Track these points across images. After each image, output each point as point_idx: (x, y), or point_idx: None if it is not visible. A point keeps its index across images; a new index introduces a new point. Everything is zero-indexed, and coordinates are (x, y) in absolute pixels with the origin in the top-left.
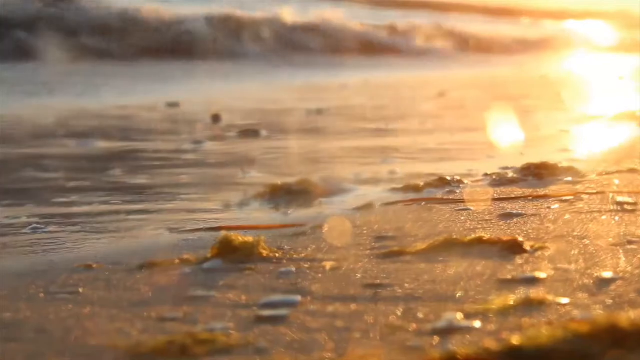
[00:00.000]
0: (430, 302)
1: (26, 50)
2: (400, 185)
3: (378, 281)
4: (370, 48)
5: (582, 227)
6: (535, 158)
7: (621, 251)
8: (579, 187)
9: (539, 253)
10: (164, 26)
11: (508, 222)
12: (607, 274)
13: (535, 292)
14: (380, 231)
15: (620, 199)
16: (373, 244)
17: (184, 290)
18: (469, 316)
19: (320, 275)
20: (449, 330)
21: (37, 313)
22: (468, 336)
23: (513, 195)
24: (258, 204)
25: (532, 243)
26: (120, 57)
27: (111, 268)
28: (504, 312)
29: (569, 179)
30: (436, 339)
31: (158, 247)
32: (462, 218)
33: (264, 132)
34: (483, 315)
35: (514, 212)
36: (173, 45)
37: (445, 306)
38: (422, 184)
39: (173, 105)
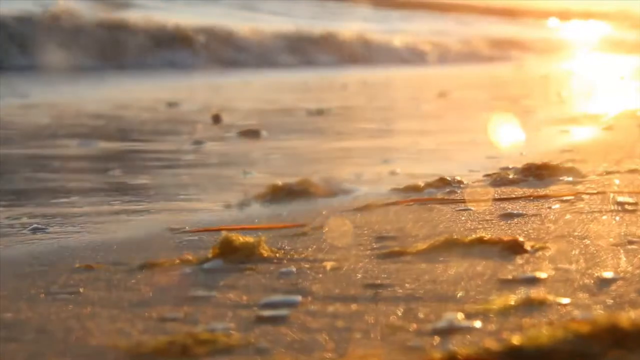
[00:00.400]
0: (431, 302)
1: None
2: (400, 185)
3: (378, 281)
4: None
5: (583, 227)
6: (535, 158)
7: (622, 251)
8: (580, 187)
9: (540, 253)
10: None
11: (509, 222)
12: (608, 274)
13: (536, 292)
14: (381, 231)
15: (620, 199)
16: (373, 244)
17: (185, 291)
18: (469, 316)
19: (320, 276)
20: (450, 330)
21: (38, 313)
22: (468, 336)
23: (514, 196)
24: (258, 205)
25: (532, 243)
26: None
27: (111, 268)
28: (505, 312)
29: (570, 179)
30: (437, 339)
31: (158, 247)
32: (463, 218)
33: (264, 133)
34: (483, 315)
35: (515, 212)
36: None
37: (446, 306)
38: (422, 184)
39: (173, 105)
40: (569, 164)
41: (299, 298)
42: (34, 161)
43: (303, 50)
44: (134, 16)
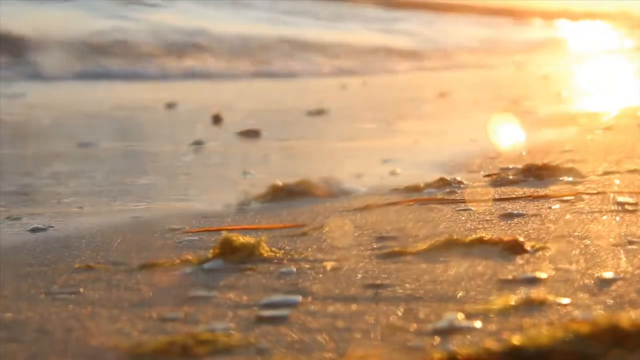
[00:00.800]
0: (431, 302)
1: None
2: (400, 186)
3: (379, 281)
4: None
5: (583, 227)
6: (535, 158)
7: (622, 251)
8: (580, 188)
9: (540, 253)
10: None
11: (509, 222)
12: (608, 274)
13: (536, 292)
14: (381, 231)
15: (620, 199)
16: (374, 244)
17: (185, 291)
18: (469, 316)
19: (320, 276)
20: (450, 331)
21: (38, 313)
22: (469, 336)
23: (514, 196)
24: (258, 205)
25: (532, 243)
26: None
27: (111, 268)
28: (505, 312)
29: (570, 179)
30: (437, 339)
31: (158, 247)
32: (463, 218)
33: (264, 133)
34: (484, 316)
35: (515, 212)
36: None
37: (446, 306)
38: (422, 184)
39: (172, 105)
40: (569, 164)
41: (299, 298)
42: (34, 161)
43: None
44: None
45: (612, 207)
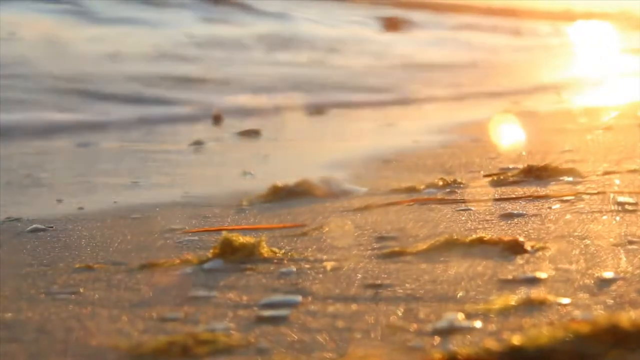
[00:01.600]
0: (431, 302)
1: None
2: (400, 186)
3: (379, 281)
4: None
5: (583, 227)
6: (536, 158)
7: (622, 251)
8: (580, 188)
9: (540, 253)
10: None
11: (509, 222)
12: (608, 274)
13: (536, 292)
14: (381, 231)
15: (621, 199)
16: (374, 244)
17: (185, 291)
18: (469, 316)
19: (321, 276)
20: (450, 331)
21: (38, 313)
22: (469, 336)
23: (514, 196)
24: (258, 204)
25: (533, 243)
26: None
27: (111, 268)
28: (505, 312)
29: (570, 179)
30: (437, 339)
31: (159, 247)
32: (463, 218)
33: (264, 133)
34: (484, 316)
35: (515, 212)
36: None
37: (446, 306)
38: (422, 184)
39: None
40: (569, 165)
41: (299, 298)
42: (34, 161)
43: None
44: None
45: (612, 207)
